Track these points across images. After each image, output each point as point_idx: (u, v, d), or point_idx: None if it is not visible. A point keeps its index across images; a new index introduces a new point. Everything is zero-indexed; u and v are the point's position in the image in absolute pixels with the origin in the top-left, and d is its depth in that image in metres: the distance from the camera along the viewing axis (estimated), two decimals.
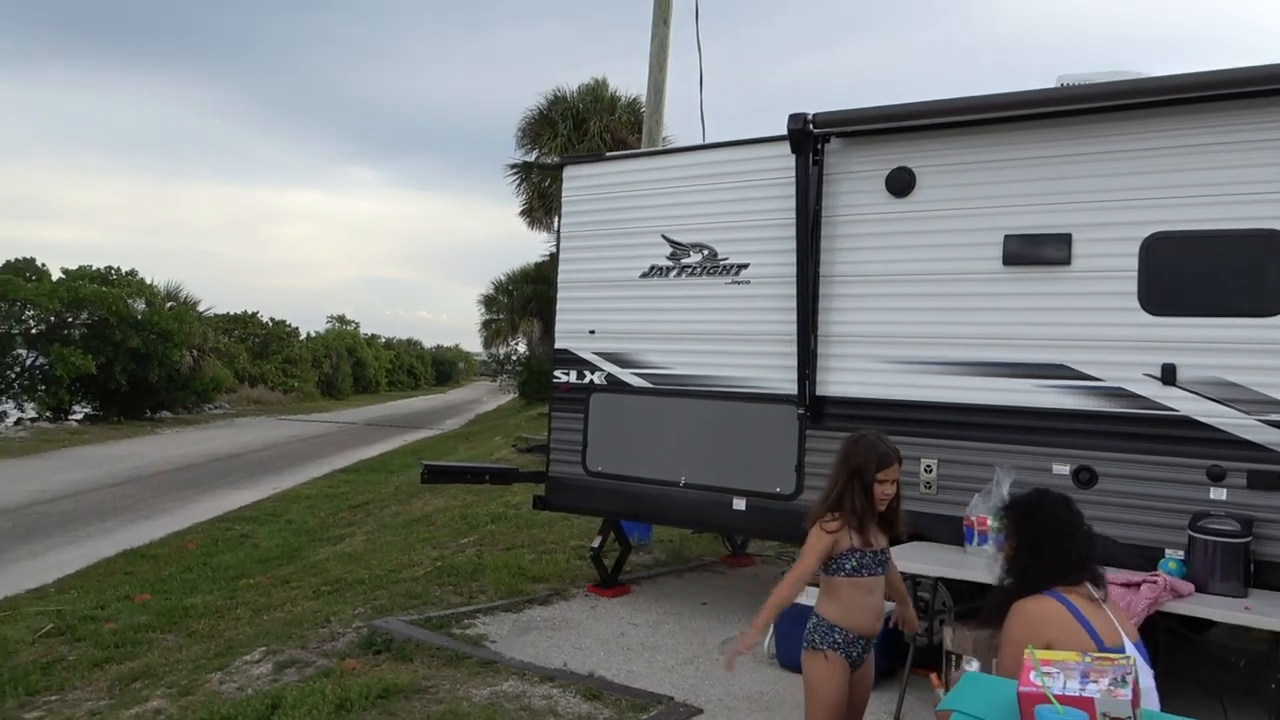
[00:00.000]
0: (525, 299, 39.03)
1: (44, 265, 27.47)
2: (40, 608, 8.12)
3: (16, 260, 26.97)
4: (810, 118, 5.39)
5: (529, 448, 15.93)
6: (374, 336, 61.84)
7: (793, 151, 5.44)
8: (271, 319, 43.52)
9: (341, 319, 57.82)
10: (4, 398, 26.37)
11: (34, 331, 26.33)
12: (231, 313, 40.66)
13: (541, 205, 23.22)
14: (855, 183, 5.44)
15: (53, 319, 26.26)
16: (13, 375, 26.21)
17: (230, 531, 11.83)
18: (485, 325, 41.99)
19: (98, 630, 7.35)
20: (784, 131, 5.48)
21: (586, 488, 6.43)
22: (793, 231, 5.51)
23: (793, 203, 5.51)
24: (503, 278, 42.43)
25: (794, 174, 5.48)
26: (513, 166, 23.56)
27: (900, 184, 5.27)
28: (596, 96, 22.89)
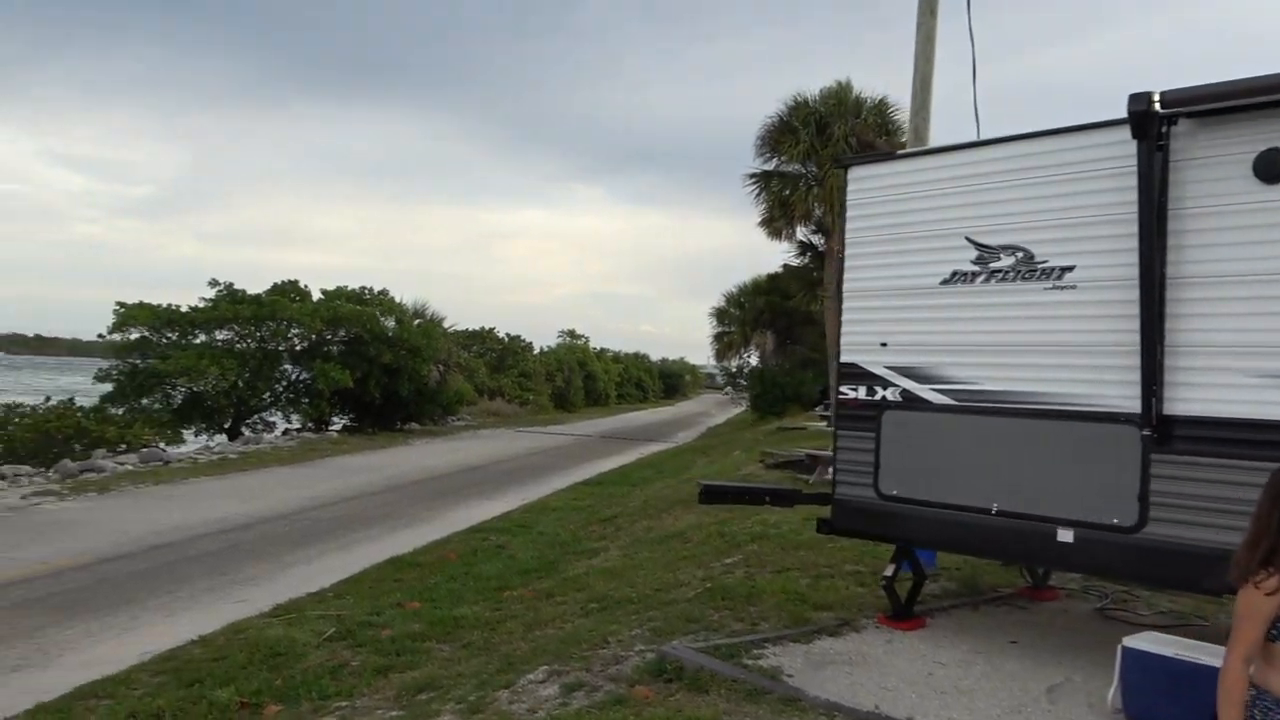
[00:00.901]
0: (757, 311, 38.91)
1: (305, 287, 30.01)
2: (321, 611, 8.61)
3: (282, 283, 29.59)
4: (1156, 97, 4.80)
5: (777, 463, 15.64)
6: (603, 350, 63.63)
7: (1134, 136, 4.87)
8: (507, 334, 45.66)
9: (572, 333, 59.90)
10: (273, 409, 28.99)
11: (298, 348, 28.78)
12: (469, 329, 42.93)
13: (783, 214, 22.96)
14: (1211, 169, 4.79)
15: (314, 337, 28.61)
16: (280, 389, 28.75)
17: (486, 542, 12.24)
18: (717, 338, 42.25)
19: (376, 636, 7.68)
20: (1118, 115, 4.92)
21: (879, 512, 6.06)
22: (1131, 229, 4.93)
23: (1132, 195, 4.94)
24: (734, 290, 42.57)
25: (1135, 162, 4.90)
26: (751, 176, 23.47)
27: (1273, 169, 4.59)
28: (840, 100, 22.40)
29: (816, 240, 27.11)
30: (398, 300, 31.13)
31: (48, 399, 22.95)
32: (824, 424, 25.51)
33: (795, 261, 29.81)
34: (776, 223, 23.30)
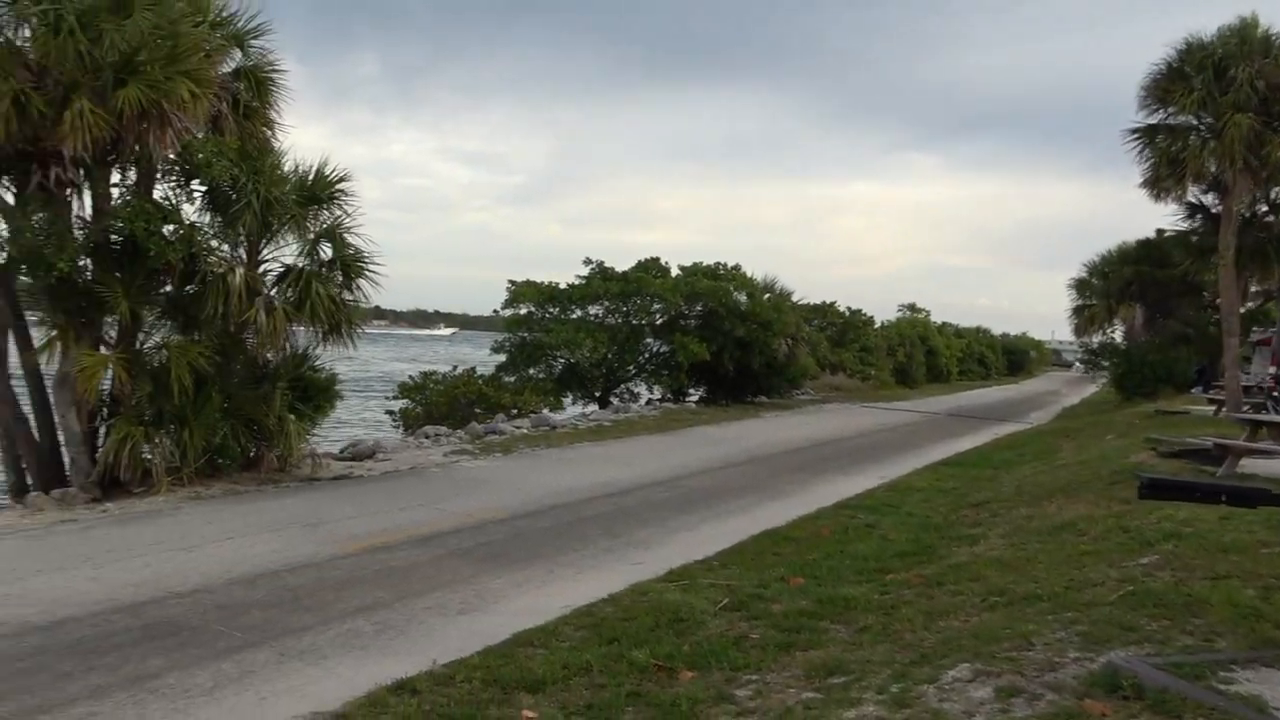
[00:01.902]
0: (1124, 282, 35.16)
1: (666, 263, 31.09)
2: (711, 580, 8.72)
3: (645, 260, 30.85)
4: None
5: (1172, 452, 13.92)
6: (943, 324, 60.73)
7: None
8: (848, 308, 44.77)
9: (912, 307, 57.69)
10: (637, 380, 30.42)
11: (658, 323, 29.93)
12: (811, 302, 42.52)
13: (1171, 173, 20.33)
14: None
15: (673, 311, 29.60)
16: (643, 360, 30.08)
17: (855, 520, 11.92)
18: (1076, 311, 38.71)
19: (768, 610, 7.63)
20: None
21: None
22: None
23: None
24: (1096, 259, 38.78)
25: None
26: (1133, 131, 20.93)
27: None
28: (1243, 38, 19.38)
29: (1209, 200, 23.81)
30: (749, 275, 31.42)
31: (454, 368, 25.53)
32: (1211, 409, 22.52)
33: (1181, 225, 26.36)
34: (1164, 182, 20.63)
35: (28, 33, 11.40)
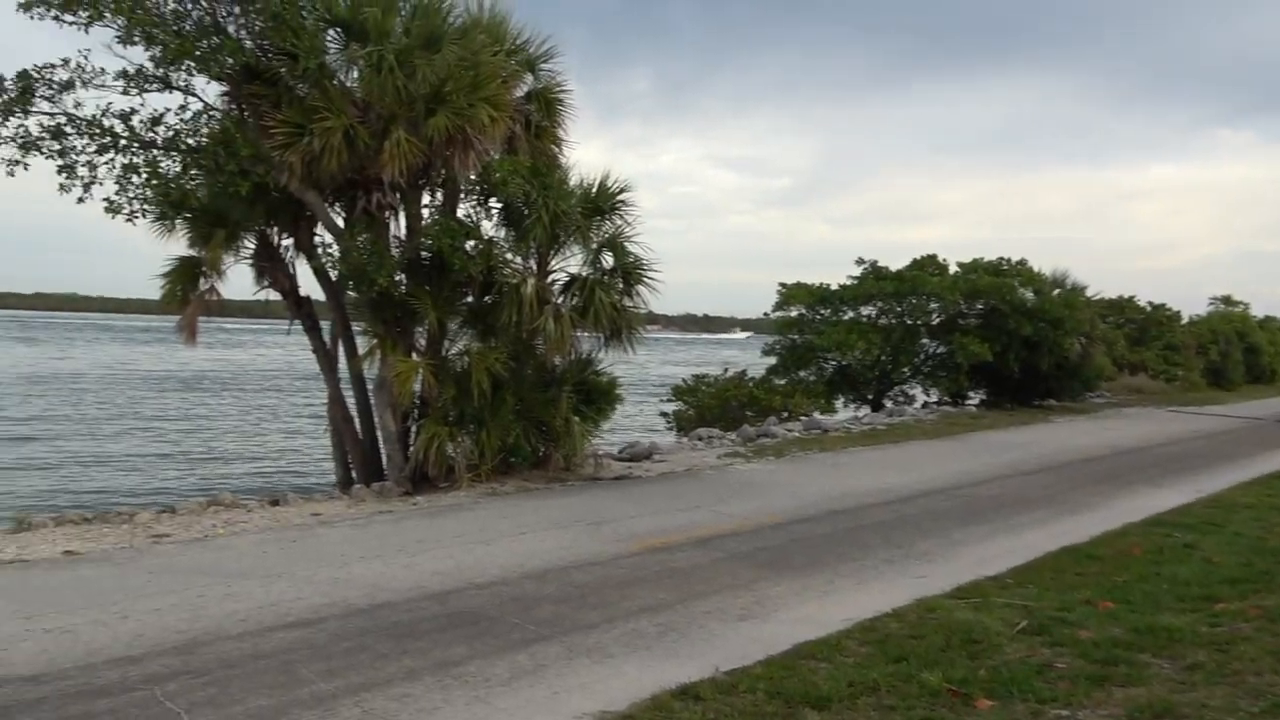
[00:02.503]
0: None
1: (944, 260, 29.58)
2: (1006, 599, 8.04)
3: (921, 258, 29.51)
4: None
5: None
6: (1267, 318, 53.54)
7: None
8: (1149, 303, 40.58)
9: (1227, 299, 51.31)
10: (912, 382, 29.14)
11: (935, 322, 28.51)
12: (1106, 297, 38.87)
13: None
14: None
15: (951, 310, 28.08)
16: (918, 362, 28.77)
17: (1170, 539, 10.62)
18: None
19: (1074, 636, 6.89)
20: None
21: None
22: None
23: None
24: None
25: None
26: None
27: None
28: None
29: None
30: (1036, 270, 29.21)
31: (725, 370, 25.63)
32: None
33: None
34: None
35: (355, 74, 12.63)
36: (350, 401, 14.37)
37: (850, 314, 27.96)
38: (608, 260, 14.39)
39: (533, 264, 14.22)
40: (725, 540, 10.28)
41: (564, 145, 15.12)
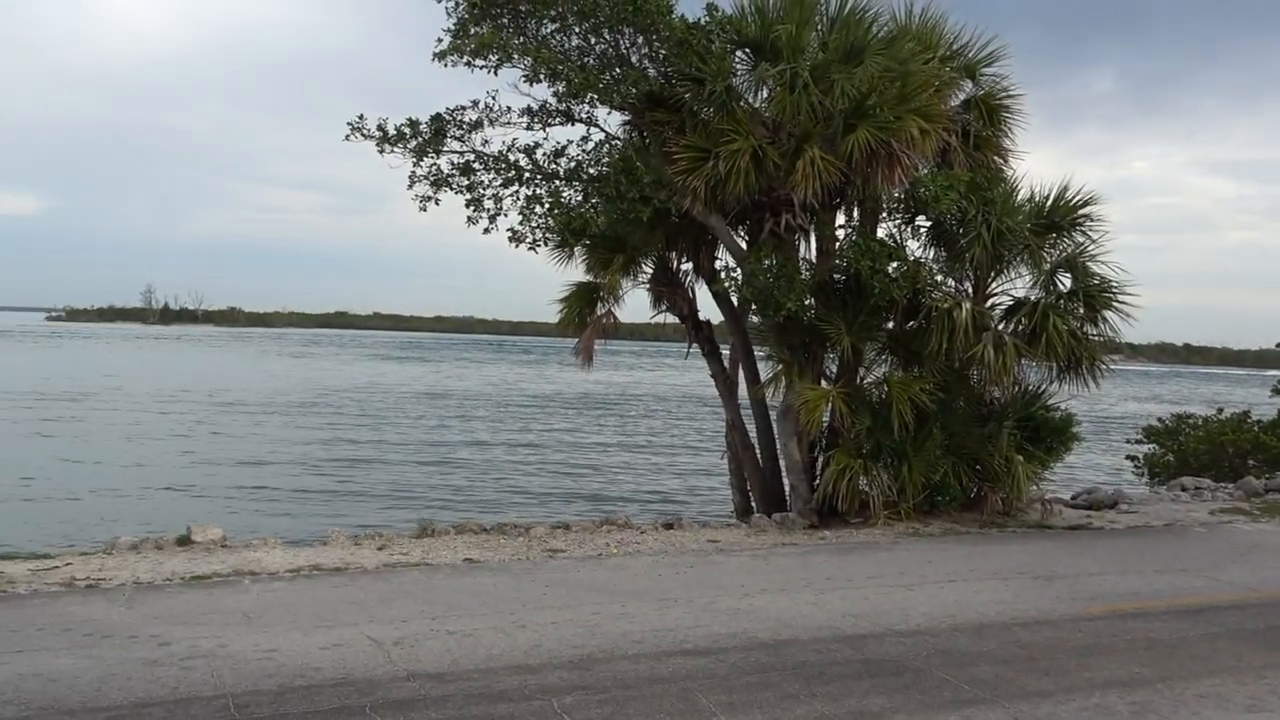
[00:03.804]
0: None
1: None
2: None
3: None
4: None
5: None
6: None
7: None
8: None
9: None
10: None
11: None
12: None
13: None
14: None
15: None
16: None
17: None
18: None
19: None
20: None
21: None
22: None
23: None
24: None
25: None
26: None
27: None
28: None
29: None
30: None
31: (1219, 410, 23.20)
32: None
33: None
34: None
35: (764, 93, 13.30)
36: (750, 428, 14.96)
37: None
38: (1064, 282, 14.14)
39: (968, 286, 14.17)
40: (1224, 613, 9.26)
41: (1009, 156, 15.00)
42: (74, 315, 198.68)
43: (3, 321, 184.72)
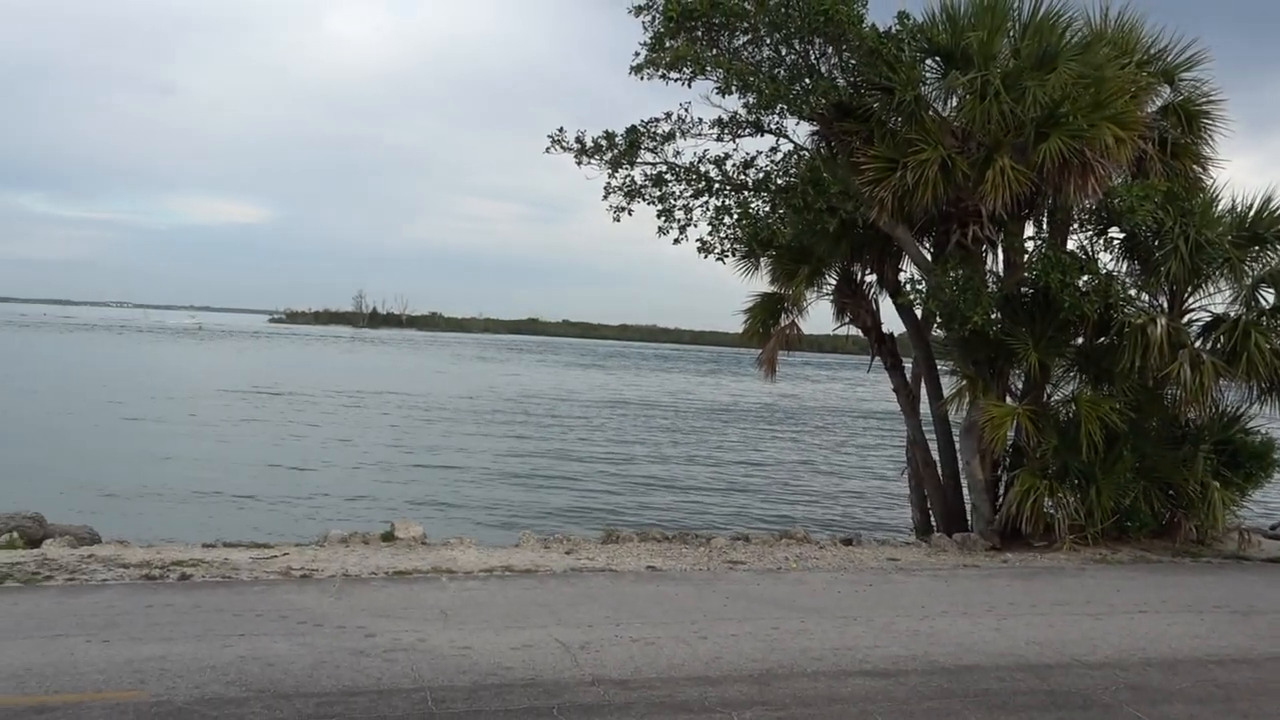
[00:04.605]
0: None
1: None
2: None
3: None
4: None
5: None
6: None
7: None
8: None
9: None
10: None
11: None
12: None
13: None
14: None
15: None
16: None
17: None
18: None
19: None
20: None
21: None
22: None
23: None
24: None
25: None
26: None
27: None
28: None
29: None
30: None
31: None
32: None
33: None
34: None
35: (954, 102, 12.98)
36: (932, 445, 14.60)
37: None
38: (1267, 298, 13.31)
39: (1163, 302, 13.45)
40: None
41: (1209, 164, 14.15)
42: (293, 317, 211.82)
43: (232, 322, 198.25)
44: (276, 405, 42.36)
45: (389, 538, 11.50)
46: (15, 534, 10.84)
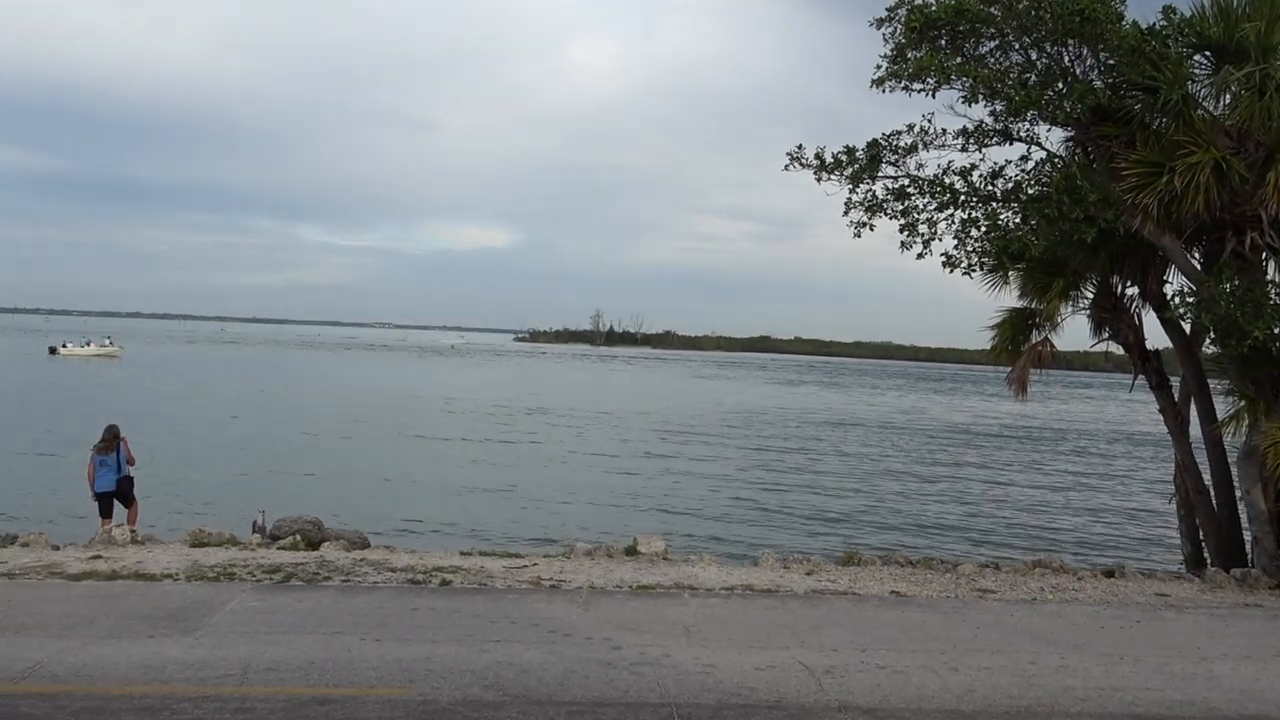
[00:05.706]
0: None
1: None
2: None
3: None
4: None
5: None
6: None
7: None
8: None
9: None
10: None
11: None
12: None
13: None
14: None
15: None
16: None
17: None
18: None
19: None
20: None
21: None
22: None
23: None
24: None
25: None
26: None
27: None
28: None
29: None
30: None
31: None
32: None
33: None
34: None
35: (1227, 100, 11.92)
36: (1204, 471, 13.39)
37: None
38: None
39: None
40: None
41: None
42: (535, 336, 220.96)
43: (484, 341, 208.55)
44: (549, 421, 44.19)
45: (632, 551, 11.61)
46: (298, 536, 11.66)
